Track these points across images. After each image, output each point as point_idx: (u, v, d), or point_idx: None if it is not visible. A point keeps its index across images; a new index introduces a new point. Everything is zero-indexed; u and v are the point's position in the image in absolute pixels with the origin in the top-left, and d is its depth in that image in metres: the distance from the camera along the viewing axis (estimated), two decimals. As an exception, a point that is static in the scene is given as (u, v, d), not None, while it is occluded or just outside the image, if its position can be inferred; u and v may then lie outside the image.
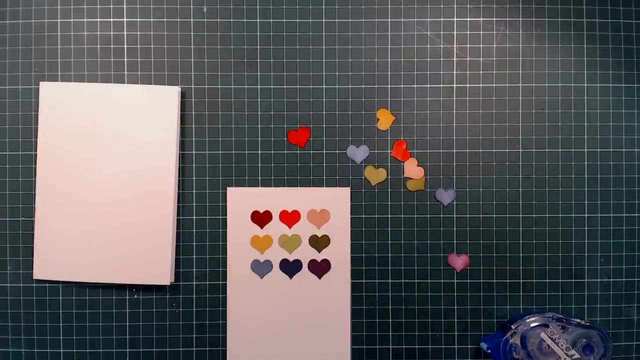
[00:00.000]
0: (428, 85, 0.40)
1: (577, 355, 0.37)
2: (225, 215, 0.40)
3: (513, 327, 0.37)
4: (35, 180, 0.40)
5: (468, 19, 0.41)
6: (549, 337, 0.37)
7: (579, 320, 0.38)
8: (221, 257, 0.40)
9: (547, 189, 0.41)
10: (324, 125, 0.40)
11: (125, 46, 0.40)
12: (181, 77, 0.40)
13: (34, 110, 0.40)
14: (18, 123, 0.40)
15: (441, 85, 0.40)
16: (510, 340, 0.37)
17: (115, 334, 0.40)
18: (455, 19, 0.41)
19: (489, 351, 0.38)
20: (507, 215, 0.40)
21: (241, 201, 0.40)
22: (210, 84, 0.40)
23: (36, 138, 0.40)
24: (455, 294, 0.40)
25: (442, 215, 0.40)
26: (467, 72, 0.40)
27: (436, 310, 0.40)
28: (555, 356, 0.37)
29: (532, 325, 0.37)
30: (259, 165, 0.40)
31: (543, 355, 0.37)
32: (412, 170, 0.40)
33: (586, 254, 0.40)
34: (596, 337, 0.37)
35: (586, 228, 0.40)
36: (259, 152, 0.40)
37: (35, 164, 0.40)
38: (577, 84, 0.41)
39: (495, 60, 0.41)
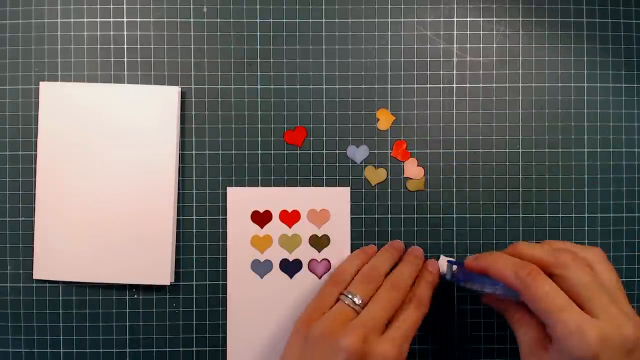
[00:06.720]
0: (428, 85, 0.40)
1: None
2: (225, 215, 0.40)
3: None
4: (35, 180, 0.40)
5: (468, 19, 0.41)
6: None
7: None
8: (221, 257, 0.40)
9: (547, 189, 0.41)
10: (324, 125, 0.40)
11: (125, 46, 0.40)
12: (181, 77, 0.40)
13: (34, 110, 0.40)
14: (18, 123, 0.40)
15: (441, 85, 0.40)
16: None
17: (115, 334, 0.40)
18: (455, 19, 0.41)
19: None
20: (507, 215, 0.40)
21: (241, 201, 0.40)
22: (210, 84, 0.40)
23: (36, 138, 0.40)
24: (456, 294, 0.40)
25: (442, 215, 0.40)
26: (467, 72, 0.40)
27: (435, 309, 0.40)
28: None
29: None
30: (259, 165, 0.40)
31: None
32: (412, 170, 0.40)
33: (586, 254, 0.40)
34: None
35: (586, 228, 0.40)
36: (259, 152, 0.40)
37: (35, 164, 0.40)
38: (577, 84, 0.41)
39: (495, 60, 0.41)
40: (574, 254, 0.31)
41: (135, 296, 0.40)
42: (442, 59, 0.41)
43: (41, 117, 0.39)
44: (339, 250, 0.40)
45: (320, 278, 0.40)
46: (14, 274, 0.40)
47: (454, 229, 0.40)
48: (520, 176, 0.41)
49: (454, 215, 0.40)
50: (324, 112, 0.40)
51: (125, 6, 0.40)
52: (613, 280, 0.31)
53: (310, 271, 0.40)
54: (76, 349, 0.40)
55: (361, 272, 0.36)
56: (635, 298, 0.41)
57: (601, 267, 0.32)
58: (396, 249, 0.39)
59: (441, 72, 0.40)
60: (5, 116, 0.40)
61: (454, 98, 0.40)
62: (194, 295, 0.40)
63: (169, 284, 0.39)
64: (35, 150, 0.40)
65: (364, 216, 0.40)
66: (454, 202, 0.40)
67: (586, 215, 0.41)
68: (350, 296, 0.34)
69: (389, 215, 0.40)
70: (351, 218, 0.40)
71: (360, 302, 0.34)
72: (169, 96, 0.39)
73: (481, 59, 0.41)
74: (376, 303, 0.34)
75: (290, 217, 0.40)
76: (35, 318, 0.40)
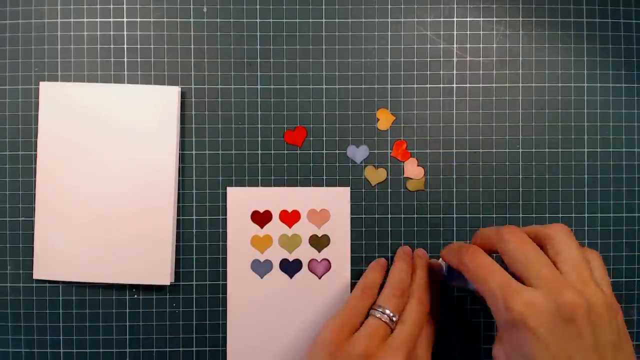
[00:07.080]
0: (428, 85, 0.40)
1: None
2: (225, 215, 0.40)
3: None
4: (35, 180, 0.40)
5: (468, 19, 0.41)
6: None
7: None
8: (221, 257, 0.40)
9: (547, 189, 0.41)
10: (324, 125, 0.40)
11: (125, 46, 0.40)
12: (181, 77, 0.40)
13: (34, 110, 0.40)
14: (18, 123, 0.40)
15: (441, 85, 0.40)
16: None
17: (115, 334, 0.40)
18: (455, 19, 0.41)
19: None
20: (507, 215, 0.40)
21: (241, 201, 0.40)
22: (210, 84, 0.40)
23: (36, 138, 0.40)
24: (456, 293, 0.40)
25: (442, 215, 0.40)
26: (467, 72, 0.41)
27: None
28: None
29: None
30: (259, 165, 0.40)
31: None
32: (412, 170, 0.40)
33: (586, 254, 0.40)
34: None
35: (586, 228, 0.40)
36: (259, 152, 0.40)
37: (35, 164, 0.40)
38: (577, 84, 0.41)
39: (495, 60, 0.41)
40: (518, 230, 0.31)
41: (135, 296, 0.40)
42: (442, 59, 0.41)
43: (41, 117, 0.39)
44: (339, 250, 0.40)
45: (320, 278, 0.40)
46: (14, 274, 0.40)
47: (454, 229, 0.40)
48: (520, 176, 0.41)
49: (454, 215, 0.40)
50: (324, 112, 0.40)
51: (125, 6, 0.40)
52: (573, 253, 0.29)
53: (310, 271, 0.40)
54: (76, 349, 0.40)
55: (390, 285, 0.35)
56: (636, 298, 0.41)
57: (560, 240, 0.30)
58: (409, 255, 0.39)
59: (441, 72, 0.40)
60: (5, 116, 0.40)
61: (454, 98, 0.40)
62: (194, 295, 0.40)
63: (169, 284, 0.39)
64: (35, 150, 0.40)
65: (364, 216, 0.40)
66: (454, 202, 0.40)
67: (586, 215, 0.41)
68: (380, 310, 0.33)
69: (389, 215, 0.40)
70: (351, 218, 0.40)
71: (396, 318, 0.33)
72: (169, 96, 0.39)
73: (481, 59, 0.41)
74: (410, 320, 0.33)
75: (290, 217, 0.40)
76: (35, 318, 0.40)
